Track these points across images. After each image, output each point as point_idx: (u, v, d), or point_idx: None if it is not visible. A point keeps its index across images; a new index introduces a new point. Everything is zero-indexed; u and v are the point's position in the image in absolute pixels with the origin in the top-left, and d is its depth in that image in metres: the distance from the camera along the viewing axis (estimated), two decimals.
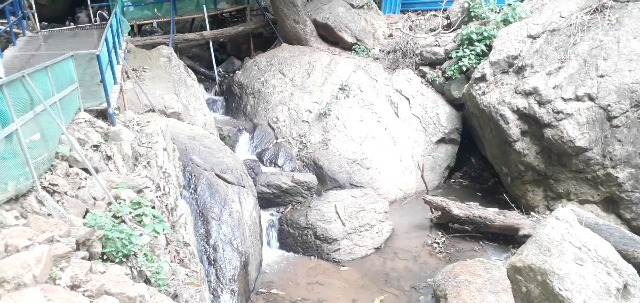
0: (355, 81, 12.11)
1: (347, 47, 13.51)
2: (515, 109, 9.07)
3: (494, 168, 10.54)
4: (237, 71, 13.99)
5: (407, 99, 11.93)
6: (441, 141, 11.55)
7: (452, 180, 11.66)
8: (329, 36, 13.82)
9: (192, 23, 16.95)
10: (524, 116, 8.99)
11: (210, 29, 14.98)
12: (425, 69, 12.28)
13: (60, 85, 5.64)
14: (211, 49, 14.70)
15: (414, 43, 12.61)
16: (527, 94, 8.96)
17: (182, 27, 16.04)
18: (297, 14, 13.56)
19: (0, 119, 3.71)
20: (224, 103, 13.50)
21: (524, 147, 9.11)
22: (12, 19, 10.66)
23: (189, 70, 12.15)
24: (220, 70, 15.13)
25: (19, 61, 9.28)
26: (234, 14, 17.05)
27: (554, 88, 8.60)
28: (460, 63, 11.20)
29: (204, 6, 15.00)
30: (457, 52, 11.38)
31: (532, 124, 8.90)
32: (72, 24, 15.68)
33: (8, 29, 10.11)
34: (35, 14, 12.54)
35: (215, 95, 14.09)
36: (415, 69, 12.44)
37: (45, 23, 15.37)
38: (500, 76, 9.71)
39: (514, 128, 9.08)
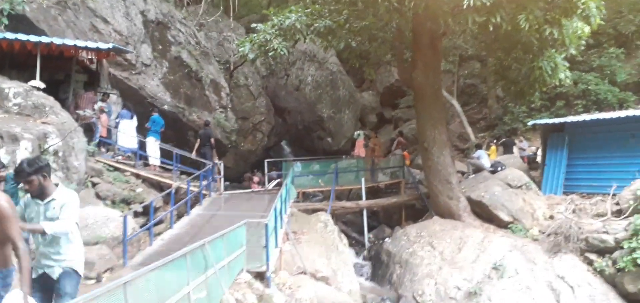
0: (511, 262, 11.39)
1: (502, 225, 13.00)
2: None
3: None
4: (387, 239, 14.32)
5: (571, 287, 10.67)
6: None
7: None
8: (483, 213, 13.54)
9: (349, 192, 18.20)
10: None
11: (366, 198, 15.94)
12: (592, 256, 11.07)
13: (230, 249, 6.57)
14: (364, 216, 15.46)
15: (578, 227, 11.62)
16: None
17: (340, 194, 17.33)
18: (451, 190, 13.72)
19: (179, 283, 4.48)
20: (370, 269, 13.74)
21: None
22: (204, 183, 12.85)
23: (342, 236, 12.85)
24: (371, 236, 15.67)
25: (201, 219, 11.02)
26: (389, 186, 17.92)
27: None
28: (634, 255, 9.88)
29: (363, 179, 16.16)
30: (630, 242, 10.12)
31: None
32: (244, 182, 18.22)
33: (198, 192, 12.19)
34: (222, 178, 14.91)
35: (363, 260, 14.48)
36: (580, 255, 11.29)
37: (228, 183, 18.09)
38: None
39: None
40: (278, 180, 17.12)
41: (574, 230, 11.64)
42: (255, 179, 18.36)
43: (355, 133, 20.62)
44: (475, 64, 25.24)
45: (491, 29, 10.16)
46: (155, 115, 14.53)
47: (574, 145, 14.08)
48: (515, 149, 18.33)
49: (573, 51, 12.05)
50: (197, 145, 15.25)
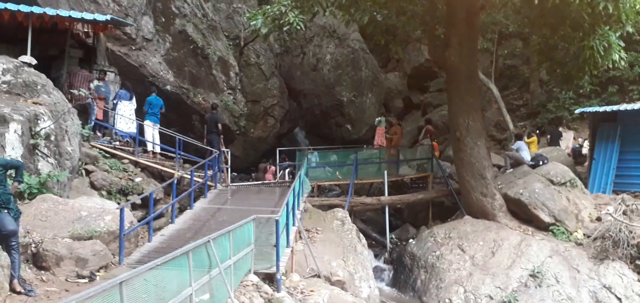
0: (551, 268, 11.40)
1: (542, 227, 12.91)
2: None
3: None
4: (411, 240, 14.30)
5: (619, 299, 10.73)
6: None
7: None
8: (520, 213, 13.44)
9: (370, 187, 18.18)
10: None
11: (389, 194, 15.89)
12: None
13: (237, 247, 6.64)
14: (386, 214, 15.45)
15: (628, 231, 11.51)
16: None
17: (360, 188, 17.31)
18: (485, 186, 13.63)
19: (180, 284, 4.56)
20: (391, 273, 13.78)
21: None
22: (209, 173, 12.92)
23: (361, 235, 12.89)
24: (393, 236, 15.64)
25: (206, 213, 11.14)
26: (415, 180, 17.85)
27: None
28: None
29: (385, 172, 16.12)
30: None
31: None
32: (258, 173, 18.35)
33: (203, 183, 12.29)
34: (229, 169, 14.98)
35: (384, 263, 14.50)
36: (630, 263, 11.26)
37: (235, 173, 18.19)
38: None
39: None
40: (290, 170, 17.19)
41: (624, 234, 11.53)
42: (272, 169, 18.39)
43: (376, 120, 20.53)
44: (516, 42, 24.88)
45: (536, 2, 10.01)
46: (152, 95, 14.59)
47: (627, 137, 13.91)
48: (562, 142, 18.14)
49: (630, 29, 11.83)
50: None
